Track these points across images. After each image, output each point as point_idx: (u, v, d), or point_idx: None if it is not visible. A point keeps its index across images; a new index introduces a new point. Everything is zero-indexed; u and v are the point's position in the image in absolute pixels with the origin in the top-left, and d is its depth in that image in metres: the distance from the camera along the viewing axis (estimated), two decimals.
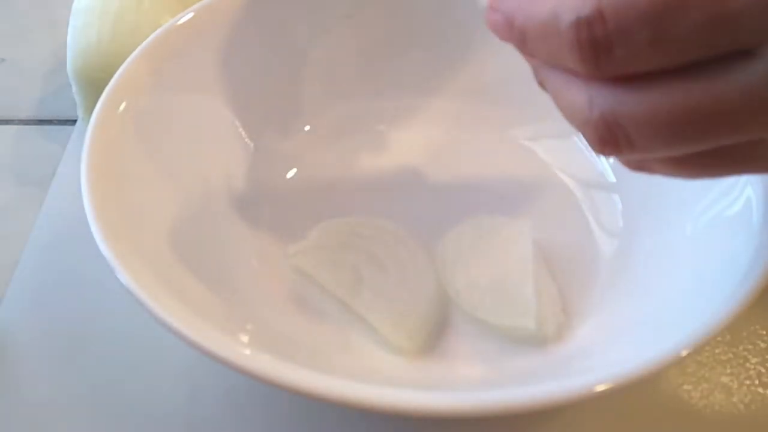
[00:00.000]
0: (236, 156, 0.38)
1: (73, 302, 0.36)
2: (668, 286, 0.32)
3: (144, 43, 0.36)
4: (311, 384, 0.25)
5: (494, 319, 0.33)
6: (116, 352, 0.35)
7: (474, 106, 0.42)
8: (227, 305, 0.31)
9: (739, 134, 0.21)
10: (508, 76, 0.41)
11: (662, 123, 0.21)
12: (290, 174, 0.40)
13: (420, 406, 0.25)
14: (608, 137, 0.22)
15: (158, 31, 0.36)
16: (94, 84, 0.41)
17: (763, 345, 0.34)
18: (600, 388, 0.25)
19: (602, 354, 0.31)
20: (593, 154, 0.40)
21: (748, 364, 0.33)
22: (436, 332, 0.33)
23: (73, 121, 0.45)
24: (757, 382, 0.33)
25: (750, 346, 0.34)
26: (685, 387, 0.33)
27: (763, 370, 0.33)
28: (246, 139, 0.39)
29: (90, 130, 0.32)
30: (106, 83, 0.34)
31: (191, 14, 0.37)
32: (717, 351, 0.34)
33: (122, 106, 0.34)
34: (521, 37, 0.23)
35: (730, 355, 0.34)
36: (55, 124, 0.46)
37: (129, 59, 0.35)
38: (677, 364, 0.27)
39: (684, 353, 0.26)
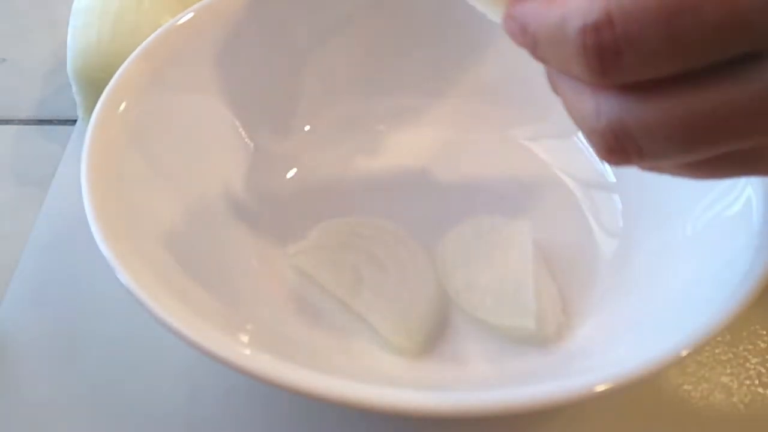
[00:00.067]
0: (236, 156, 0.38)
1: (73, 302, 0.36)
2: (668, 286, 0.32)
3: (144, 43, 0.36)
4: (311, 384, 0.25)
5: (494, 319, 0.33)
6: (116, 352, 0.35)
7: (474, 106, 0.42)
8: (227, 305, 0.31)
9: (752, 139, 0.21)
10: (508, 76, 0.41)
11: (673, 131, 0.21)
12: (290, 174, 0.40)
13: (420, 406, 0.25)
14: (616, 146, 0.22)
15: (158, 31, 0.36)
16: (94, 84, 0.40)
17: (763, 345, 0.34)
18: (600, 388, 0.25)
19: (602, 354, 0.31)
20: (593, 154, 0.40)
21: (748, 364, 0.33)
22: (436, 332, 0.33)
23: (73, 121, 0.45)
24: (757, 382, 0.33)
25: (750, 346, 0.34)
26: (685, 387, 0.33)
27: (763, 370, 0.33)
28: (246, 139, 0.39)
29: (90, 130, 0.32)
30: (106, 83, 0.34)
31: (191, 14, 0.37)
32: (717, 351, 0.34)
33: (122, 106, 0.34)
34: (533, 43, 0.23)
35: (730, 355, 0.34)
36: (55, 124, 0.46)
37: (129, 59, 0.35)
38: (677, 364, 0.27)
39: (684, 353, 0.26)
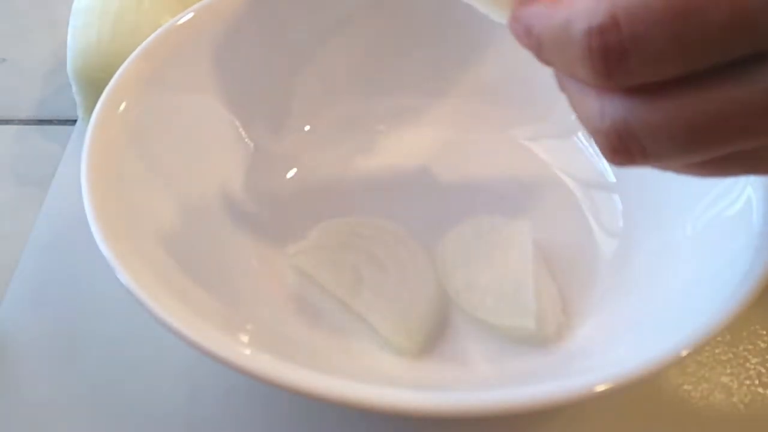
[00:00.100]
0: (236, 156, 0.38)
1: (73, 302, 0.36)
2: (668, 286, 0.32)
3: (144, 43, 0.36)
4: (311, 384, 0.25)
5: (494, 319, 0.33)
6: (116, 352, 0.35)
7: (474, 106, 0.42)
8: (227, 305, 0.31)
9: (755, 140, 0.21)
10: (508, 76, 0.41)
11: (677, 132, 0.21)
12: (290, 174, 0.40)
13: (420, 406, 0.25)
14: (620, 147, 0.22)
15: (158, 31, 0.36)
16: (94, 84, 0.40)
17: (763, 345, 0.34)
18: (600, 388, 0.25)
19: (602, 354, 0.31)
20: (593, 154, 0.40)
21: (748, 364, 0.33)
22: (436, 332, 0.33)
23: (73, 121, 0.45)
24: (757, 382, 0.33)
25: (750, 346, 0.34)
26: (685, 387, 0.33)
27: (763, 370, 0.33)
28: (246, 139, 0.39)
29: (90, 130, 0.32)
30: (106, 83, 0.34)
31: (191, 14, 0.37)
32: (717, 351, 0.34)
33: (122, 106, 0.34)
34: (538, 45, 0.23)
35: (730, 355, 0.34)
36: (55, 124, 0.46)
37: (129, 59, 0.35)
38: (677, 364, 0.27)
39: (684, 353, 0.26)
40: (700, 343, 0.26)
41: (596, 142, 0.23)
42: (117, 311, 0.35)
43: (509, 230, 0.36)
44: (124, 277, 0.28)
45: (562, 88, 0.24)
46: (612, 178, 0.39)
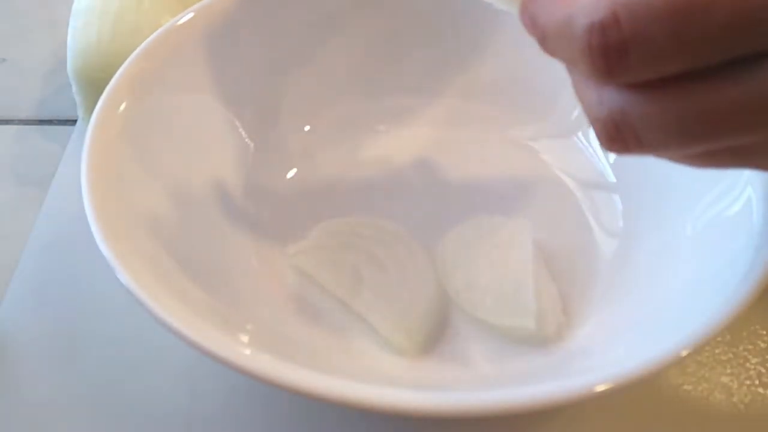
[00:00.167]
0: (236, 156, 0.38)
1: (73, 302, 0.36)
2: (668, 286, 0.32)
3: (144, 43, 0.36)
4: (311, 384, 0.25)
5: (494, 319, 0.33)
6: (116, 352, 0.35)
7: (474, 106, 0.42)
8: (227, 305, 0.31)
9: (749, 136, 0.21)
10: (508, 76, 0.41)
11: (672, 124, 0.21)
12: (290, 174, 0.40)
13: (420, 406, 0.25)
14: (616, 135, 0.22)
15: (158, 31, 0.36)
16: (94, 84, 0.40)
17: (763, 345, 0.34)
18: (600, 388, 0.25)
19: (602, 354, 0.31)
20: (593, 154, 0.40)
21: (748, 364, 0.33)
22: (436, 332, 0.33)
23: (73, 121, 0.45)
24: (757, 382, 0.33)
25: (750, 346, 0.34)
26: (685, 387, 0.33)
27: (763, 370, 0.33)
28: (246, 139, 0.39)
29: (90, 130, 0.32)
30: (106, 83, 0.34)
31: (191, 14, 0.37)
32: (717, 351, 0.34)
33: (122, 106, 0.34)
34: (543, 36, 0.23)
35: (730, 355, 0.34)
36: (55, 124, 0.46)
37: (129, 59, 0.35)
38: (677, 364, 0.27)
39: (684, 353, 0.26)
40: (700, 343, 0.26)
41: (594, 129, 0.23)
42: (117, 311, 0.35)
43: (509, 230, 0.36)
44: (124, 277, 0.28)
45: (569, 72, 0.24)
46: (612, 178, 0.39)
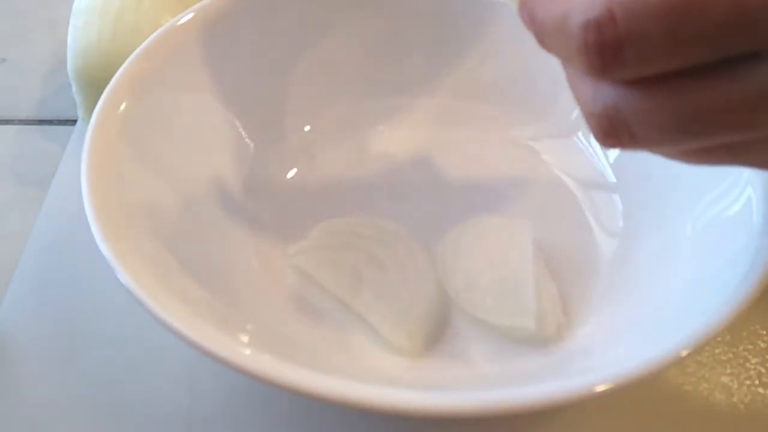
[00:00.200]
0: (236, 156, 0.38)
1: (73, 302, 0.36)
2: (668, 286, 0.32)
3: (144, 43, 0.36)
4: (311, 384, 0.25)
5: (494, 319, 0.33)
6: (116, 352, 0.35)
7: (474, 106, 0.42)
8: (227, 305, 0.31)
9: (742, 134, 0.21)
10: (508, 76, 0.41)
11: (665, 121, 0.21)
12: (290, 174, 0.40)
13: (420, 406, 0.25)
14: (610, 130, 0.22)
15: (158, 31, 0.36)
16: (94, 84, 0.40)
17: (763, 345, 0.34)
18: (600, 388, 0.25)
19: (602, 354, 0.31)
20: (593, 154, 0.40)
21: (748, 364, 0.33)
22: (436, 332, 0.33)
23: (73, 121, 0.45)
24: (757, 382, 0.33)
25: (750, 346, 0.34)
26: (685, 387, 0.33)
27: (763, 370, 0.33)
28: (246, 139, 0.39)
29: (90, 130, 0.32)
30: (107, 83, 0.34)
31: (191, 14, 0.37)
32: (717, 351, 0.34)
33: (122, 106, 0.34)
34: (540, 32, 0.23)
35: (730, 355, 0.34)
36: (55, 124, 0.46)
37: (129, 59, 0.35)
38: (677, 364, 0.27)
39: (684, 353, 0.26)
40: (700, 343, 0.26)
41: (588, 124, 0.23)
42: (117, 311, 0.35)
43: (509, 230, 0.36)
44: (124, 277, 0.28)
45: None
46: (612, 178, 0.39)
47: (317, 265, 0.35)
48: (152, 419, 0.32)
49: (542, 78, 0.38)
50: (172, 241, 0.32)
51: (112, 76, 0.34)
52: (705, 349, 0.34)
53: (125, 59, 0.35)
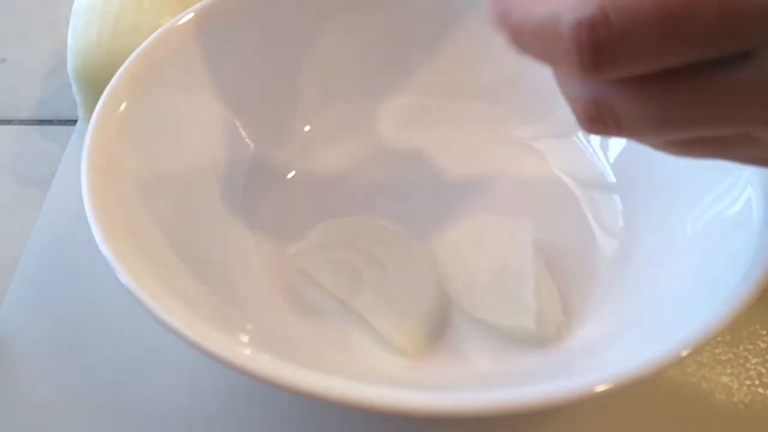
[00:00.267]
0: (236, 156, 0.38)
1: (73, 302, 0.36)
2: (668, 286, 0.32)
3: (144, 43, 0.36)
4: (311, 384, 0.25)
5: (494, 319, 0.33)
6: (116, 352, 0.35)
7: (474, 106, 0.42)
8: (227, 305, 0.31)
9: (725, 128, 0.22)
10: (508, 76, 0.41)
11: (652, 111, 0.21)
12: (290, 174, 0.40)
13: (420, 406, 0.25)
14: (596, 116, 0.22)
15: (158, 31, 0.36)
16: (94, 84, 0.40)
17: (763, 345, 0.34)
18: (600, 388, 0.25)
19: (602, 354, 0.31)
20: (593, 154, 0.40)
21: (748, 364, 0.33)
22: (436, 332, 0.33)
23: (73, 121, 0.45)
24: (757, 382, 0.33)
25: (750, 346, 0.34)
26: (685, 387, 0.33)
27: (763, 370, 0.33)
28: (246, 139, 0.39)
29: (90, 130, 0.32)
30: (107, 83, 0.34)
31: (191, 14, 0.37)
32: (717, 351, 0.34)
33: (122, 106, 0.34)
34: (516, 31, 0.23)
35: (730, 355, 0.34)
36: (55, 124, 0.46)
37: (129, 59, 0.35)
38: (677, 364, 0.27)
39: (684, 353, 0.26)
40: (700, 343, 0.26)
41: (573, 110, 0.23)
42: (117, 311, 0.35)
43: (509, 230, 0.36)
44: (124, 277, 0.28)
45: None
46: (612, 178, 0.39)
47: (317, 265, 0.35)
48: (152, 419, 0.32)
49: (542, 78, 0.38)
50: (172, 241, 0.32)
51: (112, 76, 0.34)
52: (705, 349, 0.34)
53: (125, 59, 0.35)
